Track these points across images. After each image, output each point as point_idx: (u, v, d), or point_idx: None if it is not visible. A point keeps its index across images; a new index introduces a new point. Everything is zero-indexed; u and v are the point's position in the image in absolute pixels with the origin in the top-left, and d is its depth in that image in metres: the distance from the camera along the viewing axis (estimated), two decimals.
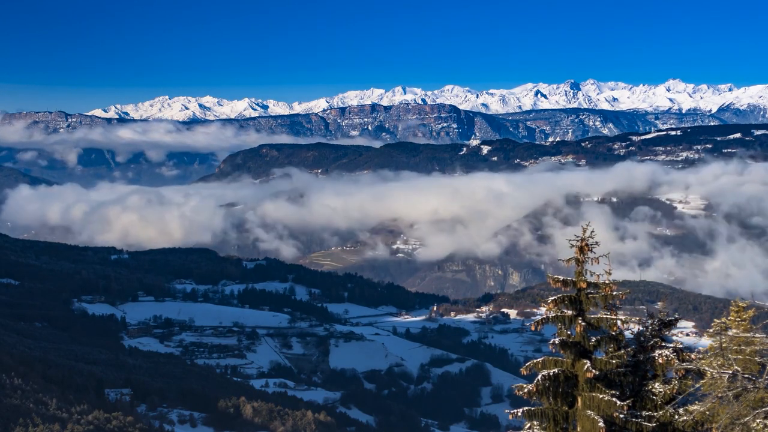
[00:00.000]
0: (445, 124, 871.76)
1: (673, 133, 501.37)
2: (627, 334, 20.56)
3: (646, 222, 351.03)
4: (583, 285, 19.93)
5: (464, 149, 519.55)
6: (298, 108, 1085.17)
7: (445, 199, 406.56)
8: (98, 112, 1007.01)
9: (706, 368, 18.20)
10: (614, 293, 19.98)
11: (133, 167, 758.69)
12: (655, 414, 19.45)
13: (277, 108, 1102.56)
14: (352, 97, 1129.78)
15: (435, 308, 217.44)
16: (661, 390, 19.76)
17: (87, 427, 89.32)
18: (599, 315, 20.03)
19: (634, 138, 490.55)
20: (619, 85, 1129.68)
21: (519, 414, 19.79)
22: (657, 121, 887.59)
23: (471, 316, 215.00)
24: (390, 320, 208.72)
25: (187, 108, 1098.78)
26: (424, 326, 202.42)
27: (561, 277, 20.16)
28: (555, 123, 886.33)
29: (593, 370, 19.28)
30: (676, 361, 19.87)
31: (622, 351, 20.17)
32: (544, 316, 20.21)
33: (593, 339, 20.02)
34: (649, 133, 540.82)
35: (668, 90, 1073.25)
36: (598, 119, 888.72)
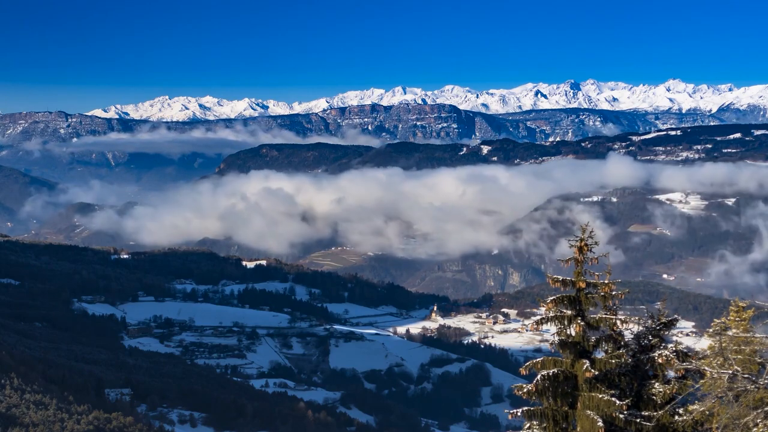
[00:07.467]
0: (445, 124, 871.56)
1: (673, 133, 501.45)
2: (627, 334, 20.54)
3: (646, 222, 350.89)
4: (582, 285, 19.91)
5: (464, 149, 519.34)
6: (298, 108, 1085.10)
7: (444, 200, 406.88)
8: (98, 112, 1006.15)
9: (706, 368, 18.18)
10: (613, 293, 19.96)
11: (132, 167, 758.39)
12: (655, 414, 19.42)
13: (277, 108, 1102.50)
14: (352, 97, 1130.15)
15: (435, 308, 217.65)
16: (661, 390, 19.73)
17: (87, 427, 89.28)
18: (599, 315, 20.02)
19: (634, 138, 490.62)
20: (619, 85, 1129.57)
21: (519, 414, 19.77)
22: (657, 121, 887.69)
23: (471, 316, 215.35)
24: (390, 320, 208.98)
25: (187, 108, 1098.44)
26: (424, 326, 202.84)
27: (560, 277, 20.13)
28: (555, 123, 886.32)
29: (592, 370, 19.26)
30: (676, 361, 19.84)
31: (622, 351, 20.15)
32: (544, 316, 20.20)
33: (593, 339, 20.00)
34: (649, 133, 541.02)
35: (668, 90, 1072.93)
36: (598, 119, 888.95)
